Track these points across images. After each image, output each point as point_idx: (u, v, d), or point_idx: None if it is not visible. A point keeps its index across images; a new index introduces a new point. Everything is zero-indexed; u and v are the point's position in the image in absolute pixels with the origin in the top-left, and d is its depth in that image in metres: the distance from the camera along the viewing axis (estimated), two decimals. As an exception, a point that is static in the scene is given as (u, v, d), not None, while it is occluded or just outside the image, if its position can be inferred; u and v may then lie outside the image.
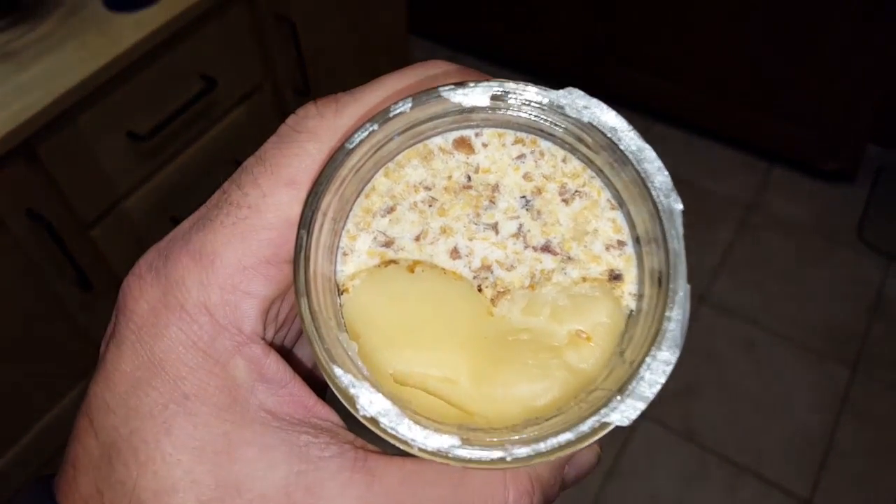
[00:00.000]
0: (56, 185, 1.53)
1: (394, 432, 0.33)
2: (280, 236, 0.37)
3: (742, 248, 2.74)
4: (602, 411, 0.33)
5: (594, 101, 0.37)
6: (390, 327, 0.38)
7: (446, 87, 0.37)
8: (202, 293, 0.36)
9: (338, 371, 0.34)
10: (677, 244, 0.35)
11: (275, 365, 0.37)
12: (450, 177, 0.40)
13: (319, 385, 0.40)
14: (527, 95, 0.37)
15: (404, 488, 0.35)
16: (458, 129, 0.40)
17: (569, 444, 0.33)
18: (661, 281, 0.35)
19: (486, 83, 0.37)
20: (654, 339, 0.34)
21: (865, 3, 2.33)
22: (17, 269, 1.56)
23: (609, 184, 0.40)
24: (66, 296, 1.71)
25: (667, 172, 0.36)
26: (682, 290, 0.34)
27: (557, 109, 0.37)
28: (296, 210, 0.37)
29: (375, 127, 0.37)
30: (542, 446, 0.33)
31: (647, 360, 0.34)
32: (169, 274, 0.37)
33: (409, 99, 0.36)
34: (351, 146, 0.36)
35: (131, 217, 1.74)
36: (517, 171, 0.41)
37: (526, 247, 0.40)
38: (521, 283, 0.40)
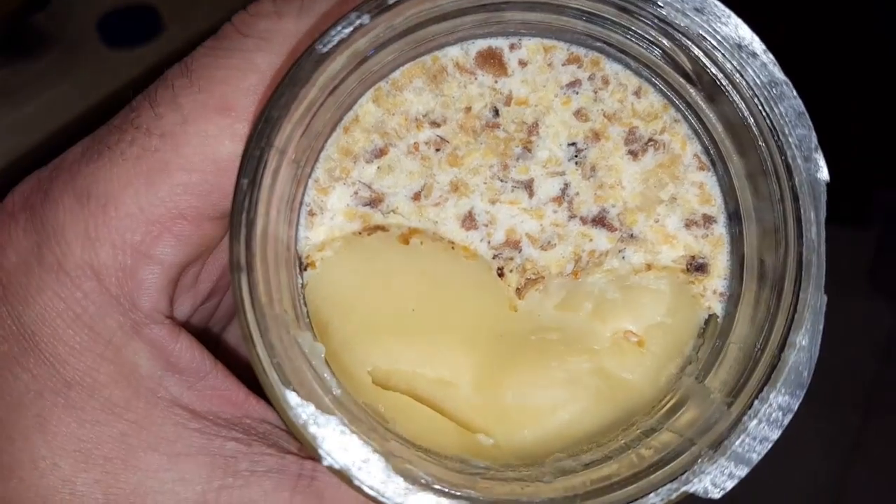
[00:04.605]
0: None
1: (375, 494, 0.23)
2: (202, 182, 0.27)
3: (750, 289, 2.69)
4: (684, 476, 0.23)
5: (711, 1, 0.23)
6: (371, 311, 0.28)
7: None
8: (88, 250, 0.27)
9: (292, 398, 0.23)
10: (815, 234, 0.24)
11: (188, 351, 0.28)
12: (468, 108, 0.27)
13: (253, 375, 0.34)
14: None
15: None
16: (484, 36, 0.27)
17: None
18: (778, 283, 0.25)
19: None
20: (769, 376, 0.24)
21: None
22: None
23: (701, 130, 0.27)
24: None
25: (810, 122, 0.24)
26: (814, 303, 0.24)
27: (653, 8, 0.24)
28: (229, 148, 0.27)
29: (366, 20, 0.24)
30: None
31: (756, 404, 0.23)
32: (46, 217, 0.27)
33: None
34: (325, 49, 0.24)
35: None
36: (567, 104, 0.27)
37: (571, 217, 0.28)
38: (560, 269, 0.28)
